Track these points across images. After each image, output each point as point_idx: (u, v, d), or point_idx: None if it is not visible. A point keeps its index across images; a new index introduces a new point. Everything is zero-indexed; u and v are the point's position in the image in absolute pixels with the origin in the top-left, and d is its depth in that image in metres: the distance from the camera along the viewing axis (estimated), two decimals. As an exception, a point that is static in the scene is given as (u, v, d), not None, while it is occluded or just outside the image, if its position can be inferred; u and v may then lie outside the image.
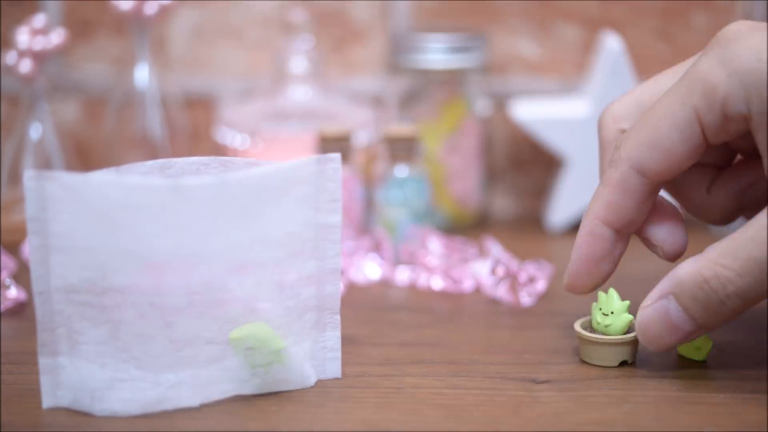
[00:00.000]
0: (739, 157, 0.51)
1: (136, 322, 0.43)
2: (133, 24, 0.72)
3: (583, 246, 0.48)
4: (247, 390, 0.45)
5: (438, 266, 0.62)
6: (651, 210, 0.48)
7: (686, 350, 0.49)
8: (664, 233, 0.48)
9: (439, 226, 0.71)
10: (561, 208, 0.73)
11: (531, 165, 0.78)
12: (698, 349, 0.48)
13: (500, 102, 0.76)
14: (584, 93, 0.74)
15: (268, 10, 0.79)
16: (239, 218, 0.43)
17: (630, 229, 0.48)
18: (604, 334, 0.48)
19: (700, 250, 0.44)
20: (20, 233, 0.59)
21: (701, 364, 0.48)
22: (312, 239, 0.45)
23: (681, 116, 0.44)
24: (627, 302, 0.48)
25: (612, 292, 0.48)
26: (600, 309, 0.48)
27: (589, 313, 0.50)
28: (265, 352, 0.44)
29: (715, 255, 0.44)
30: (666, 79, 0.48)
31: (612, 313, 0.48)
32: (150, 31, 0.73)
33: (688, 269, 0.44)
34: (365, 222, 0.69)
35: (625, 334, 0.48)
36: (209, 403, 0.44)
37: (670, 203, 0.49)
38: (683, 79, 0.44)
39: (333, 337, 0.47)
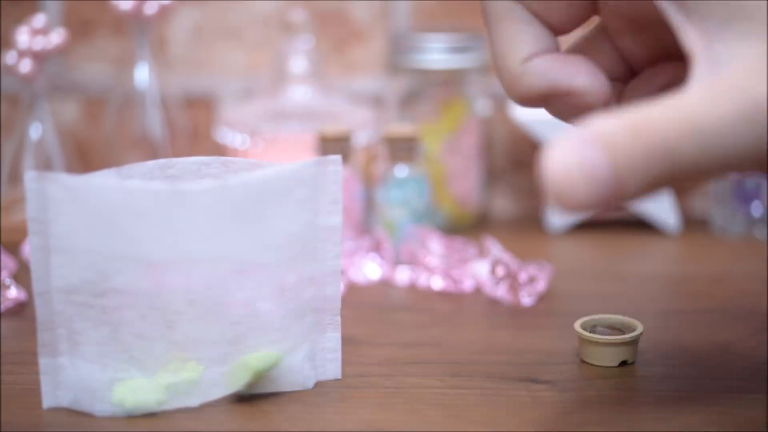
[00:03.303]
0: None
1: (136, 324, 0.43)
2: (133, 24, 0.72)
3: None
4: (247, 390, 0.45)
5: (438, 266, 0.62)
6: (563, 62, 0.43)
7: None
8: (583, 78, 0.43)
9: (439, 226, 0.70)
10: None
11: (531, 165, 0.78)
12: None
13: (500, 102, 0.76)
14: (584, 93, 0.74)
15: (268, 10, 0.79)
16: (240, 221, 0.43)
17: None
18: None
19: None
20: (20, 233, 0.59)
21: (701, 364, 0.48)
22: (312, 241, 0.45)
23: None
24: None
25: None
26: None
27: (588, 313, 0.50)
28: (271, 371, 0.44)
29: None
30: None
31: None
32: (150, 31, 0.73)
33: None
34: (365, 222, 0.69)
35: None
36: (209, 403, 0.44)
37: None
38: None
39: (333, 338, 0.47)
